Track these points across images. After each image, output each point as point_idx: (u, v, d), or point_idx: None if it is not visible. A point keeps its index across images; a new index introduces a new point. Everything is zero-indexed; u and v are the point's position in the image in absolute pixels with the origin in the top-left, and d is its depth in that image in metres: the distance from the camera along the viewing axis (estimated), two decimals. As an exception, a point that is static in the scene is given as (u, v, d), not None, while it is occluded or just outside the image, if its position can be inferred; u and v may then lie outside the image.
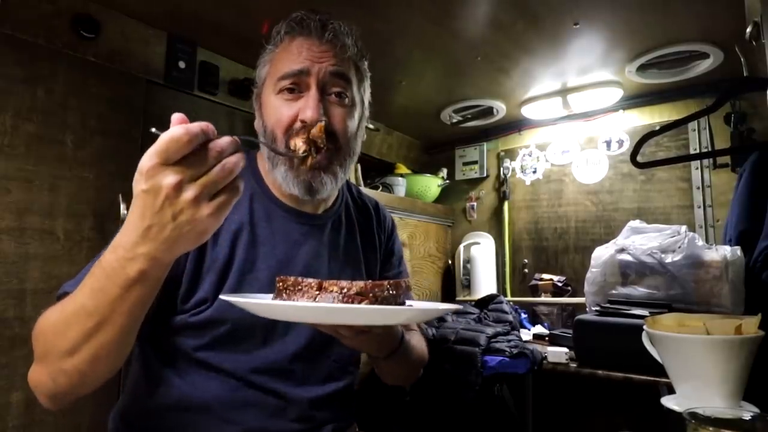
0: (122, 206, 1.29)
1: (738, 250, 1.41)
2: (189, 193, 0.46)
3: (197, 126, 0.46)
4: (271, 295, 0.63)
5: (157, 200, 0.46)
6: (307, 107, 0.75)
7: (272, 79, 0.79)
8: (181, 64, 1.49)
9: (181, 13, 1.38)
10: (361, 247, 0.96)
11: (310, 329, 0.82)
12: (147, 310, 0.58)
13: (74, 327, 0.56)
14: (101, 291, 0.54)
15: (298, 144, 0.75)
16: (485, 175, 2.44)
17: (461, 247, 2.38)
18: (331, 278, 0.85)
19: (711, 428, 0.52)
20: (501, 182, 2.37)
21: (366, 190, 1.94)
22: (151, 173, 0.46)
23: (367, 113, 0.90)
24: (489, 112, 2.17)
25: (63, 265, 1.20)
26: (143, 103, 1.40)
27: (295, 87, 0.77)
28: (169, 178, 0.46)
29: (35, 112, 1.18)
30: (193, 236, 0.49)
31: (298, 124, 0.76)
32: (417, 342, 0.94)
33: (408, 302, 0.66)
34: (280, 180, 0.80)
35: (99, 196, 1.28)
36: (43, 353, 0.61)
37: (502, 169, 2.37)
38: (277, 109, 0.77)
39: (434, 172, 2.40)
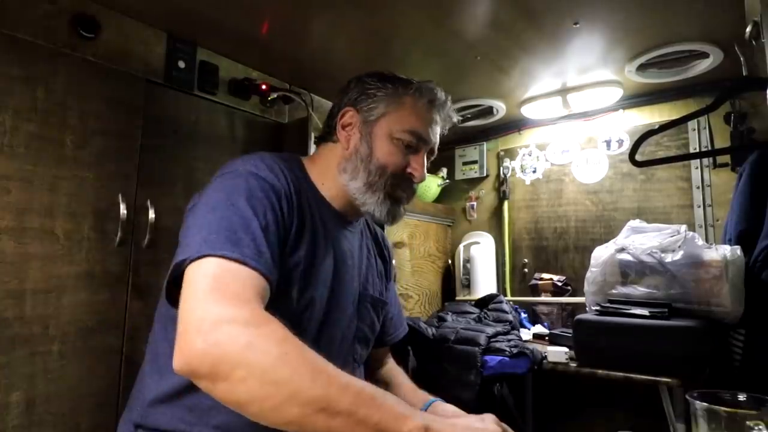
0: (122, 206, 1.29)
1: (738, 249, 1.41)
2: None
3: None
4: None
5: None
6: (420, 168, 0.92)
7: (396, 124, 0.91)
8: (181, 64, 1.49)
9: (180, 13, 1.37)
10: (375, 262, 1.06)
11: (343, 330, 0.89)
12: None
13: (320, 386, 0.55)
14: (372, 399, 0.57)
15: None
16: (485, 174, 2.44)
17: (461, 246, 2.38)
18: (360, 281, 0.96)
19: (723, 408, 0.56)
20: (501, 182, 2.37)
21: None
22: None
23: None
24: (489, 111, 2.17)
25: (63, 265, 1.20)
26: (143, 103, 1.40)
27: (412, 144, 0.91)
28: None
29: (35, 112, 1.18)
30: None
31: (407, 175, 0.92)
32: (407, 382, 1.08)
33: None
34: (371, 204, 0.91)
35: (99, 196, 1.28)
36: (275, 361, 0.56)
37: (501, 168, 2.37)
38: (393, 154, 0.90)
39: (434, 171, 2.40)
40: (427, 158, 0.96)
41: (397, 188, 0.91)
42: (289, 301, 0.79)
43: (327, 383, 0.55)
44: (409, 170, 0.91)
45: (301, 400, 0.54)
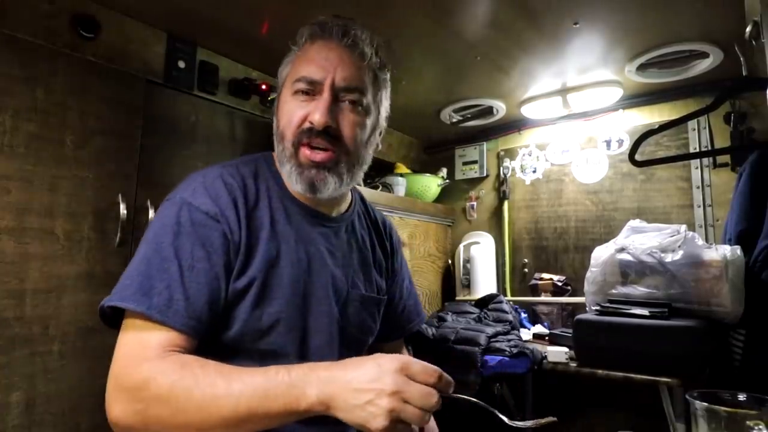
0: (122, 206, 1.29)
1: (738, 249, 1.41)
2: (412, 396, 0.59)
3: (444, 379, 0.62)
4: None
5: (390, 399, 0.58)
6: (317, 110, 0.78)
7: (290, 81, 0.83)
8: (181, 64, 1.49)
9: (180, 13, 1.38)
10: (372, 256, 0.99)
11: (328, 336, 0.86)
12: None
13: (215, 413, 0.61)
14: (264, 397, 0.61)
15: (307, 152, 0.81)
16: (485, 174, 2.44)
17: (461, 246, 2.38)
18: (345, 280, 0.89)
19: (723, 408, 0.58)
20: (501, 182, 2.37)
21: (365, 190, 1.94)
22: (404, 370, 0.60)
23: (383, 123, 0.93)
24: (489, 111, 2.17)
25: (63, 265, 1.20)
26: (143, 103, 1.40)
27: (310, 90, 0.80)
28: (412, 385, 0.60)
29: (35, 112, 1.18)
30: (372, 417, 0.58)
31: (306, 125, 0.79)
32: None
33: None
34: (285, 177, 0.83)
35: (99, 196, 1.28)
36: (170, 413, 0.62)
37: (501, 168, 2.37)
38: (290, 110, 0.81)
39: (434, 171, 2.40)
40: (351, 103, 0.81)
41: (303, 147, 0.80)
42: (252, 320, 0.77)
43: (218, 407, 0.61)
44: (308, 119, 0.79)
45: (208, 428, 0.61)
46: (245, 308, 0.76)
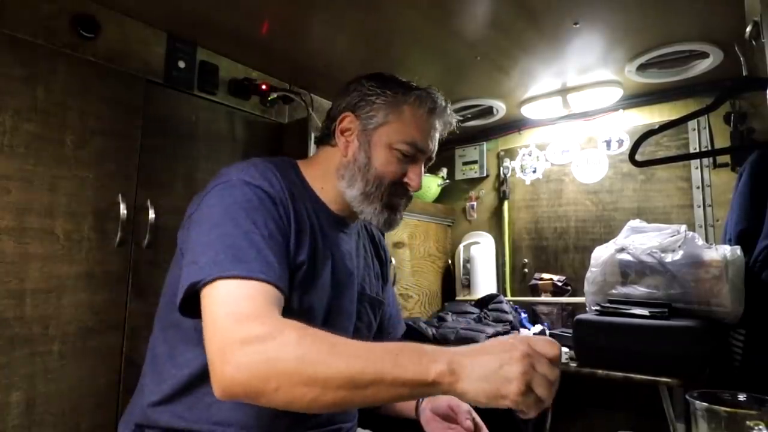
0: (122, 206, 1.29)
1: (738, 249, 1.41)
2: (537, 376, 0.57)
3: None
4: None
5: (521, 363, 0.56)
6: (417, 177, 0.93)
7: (395, 135, 0.90)
8: (181, 64, 1.49)
9: (180, 13, 1.38)
10: (371, 261, 1.08)
11: (342, 332, 0.88)
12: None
13: (344, 370, 0.58)
14: (395, 361, 0.58)
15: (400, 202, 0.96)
16: (485, 174, 2.44)
17: (461, 246, 2.38)
18: (358, 281, 0.97)
19: (723, 408, 0.59)
20: (501, 182, 2.37)
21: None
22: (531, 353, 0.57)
23: None
24: (489, 111, 2.17)
25: (63, 265, 1.20)
26: (143, 103, 1.40)
27: (412, 153, 0.92)
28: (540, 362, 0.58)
29: (35, 112, 1.18)
30: (498, 394, 0.56)
31: (404, 182, 0.92)
32: None
33: None
34: (369, 213, 0.92)
35: (99, 196, 1.28)
36: (297, 364, 0.59)
37: (501, 168, 2.37)
38: (391, 164, 0.91)
39: (434, 171, 2.40)
40: (425, 164, 0.96)
41: (394, 197, 0.92)
42: (290, 306, 0.79)
43: (348, 365, 0.58)
44: (406, 180, 0.92)
45: (333, 386, 0.58)
46: (294, 295, 0.79)
